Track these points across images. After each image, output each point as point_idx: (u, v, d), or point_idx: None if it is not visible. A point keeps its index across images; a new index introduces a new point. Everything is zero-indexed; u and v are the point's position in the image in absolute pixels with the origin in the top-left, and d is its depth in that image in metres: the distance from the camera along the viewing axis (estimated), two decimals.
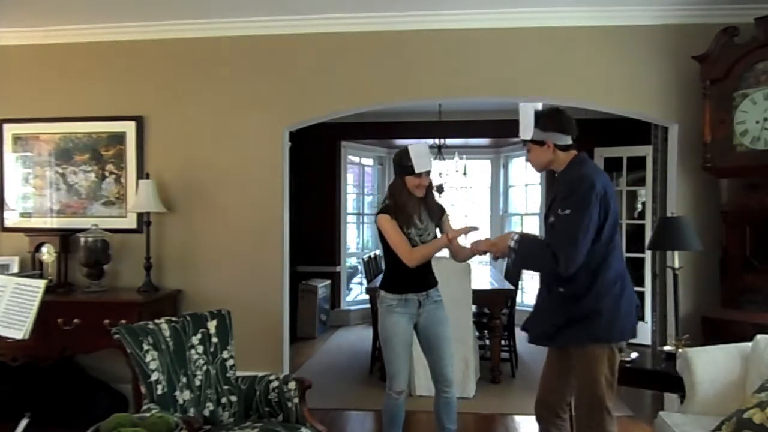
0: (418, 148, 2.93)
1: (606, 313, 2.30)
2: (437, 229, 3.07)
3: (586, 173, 2.32)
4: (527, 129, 2.46)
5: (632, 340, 2.73)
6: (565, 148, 2.43)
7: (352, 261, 7.83)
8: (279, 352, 4.17)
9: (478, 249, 2.76)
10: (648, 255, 5.42)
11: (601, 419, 2.32)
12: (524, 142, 2.52)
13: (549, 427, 2.56)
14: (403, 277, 2.97)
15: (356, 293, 7.81)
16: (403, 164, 2.92)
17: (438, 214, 3.06)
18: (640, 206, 5.84)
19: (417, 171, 2.88)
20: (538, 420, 2.61)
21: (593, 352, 2.32)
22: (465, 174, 6.91)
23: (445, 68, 4.02)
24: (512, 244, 2.42)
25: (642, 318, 5.27)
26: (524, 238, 2.46)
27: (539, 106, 2.52)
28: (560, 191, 2.38)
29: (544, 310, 2.50)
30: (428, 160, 2.94)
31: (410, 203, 2.95)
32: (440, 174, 6.46)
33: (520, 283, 5.58)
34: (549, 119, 2.44)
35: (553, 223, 2.36)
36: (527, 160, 2.56)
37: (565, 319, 2.36)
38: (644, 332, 5.13)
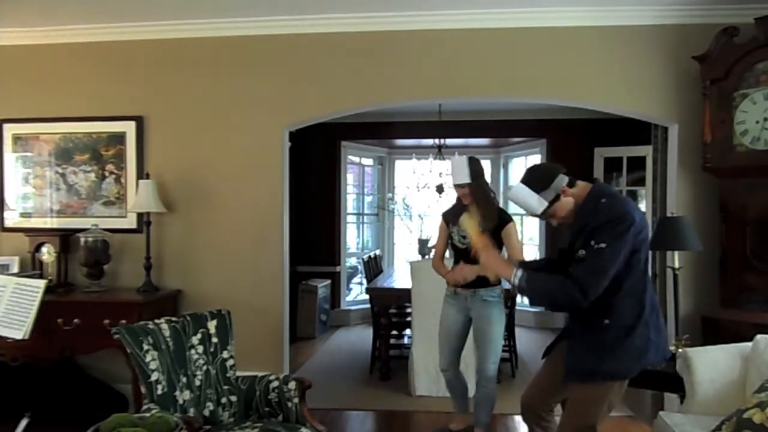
0: (453, 161, 3.28)
1: (640, 344, 2.23)
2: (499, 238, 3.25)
3: (628, 210, 2.21)
4: (540, 203, 2.30)
5: None
6: (571, 183, 2.33)
7: (352, 261, 7.82)
8: (279, 352, 4.17)
9: (457, 280, 3.00)
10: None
11: None
12: (543, 214, 2.35)
13: (535, 428, 2.58)
14: None
15: (356, 293, 7.81)
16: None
17: (493, 224, 3.19)
18: (642, 207, 5.83)
19: (453, 182, 3.28)
20: (524, 421, 2.65)
21: (611, 386, 2.27)
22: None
23: (445, 68, 4.02)
24: (518, 281, 2.28)
25: None
26: (532, 275, 2.30)
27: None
28: (594, 222, 2.21)
29: (589, 346, 2.31)
30: (460, 174, 3.20)
31: (456, 207, 3.40)
32: (440, 174, 6.46)
33: None
34: (540, 176, 2.33)
35: (584, 256, 2.21)
36: (557, 225, 2.42)
37: (613, 352, 2.25)
38: None
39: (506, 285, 4.19)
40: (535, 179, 2.32)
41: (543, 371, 2.62)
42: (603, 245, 2.15)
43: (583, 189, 2.34)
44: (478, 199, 3.23)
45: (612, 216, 2.20)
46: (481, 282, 3.21)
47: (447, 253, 3.59)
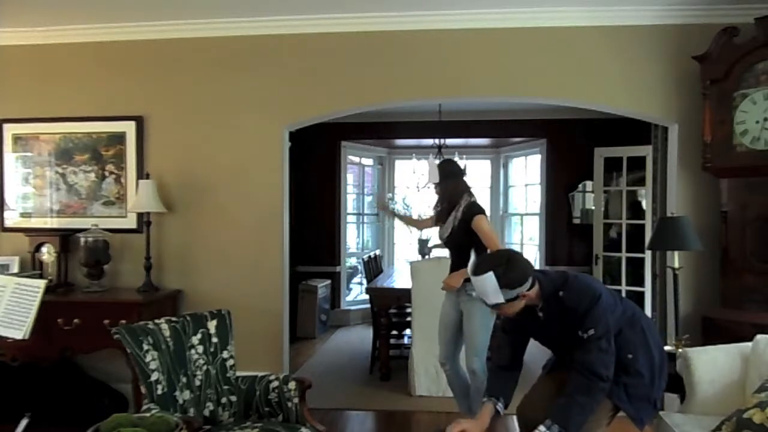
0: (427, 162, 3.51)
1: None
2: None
3: (597, 300, 2.30)
4: (496, 297, 2.22)
5: None
6: (531, 286, 2.28)
7: (352, 261, 7.82)
8: (279, 352, 4.17)
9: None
10: (648, 255, 5.41)
11: None
12: (494, 306, 2.31)
13: None
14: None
15: (356, 293, 7.81)
16: None
17: (462, 223, 3.39)
18: (642, 207, 5.84)
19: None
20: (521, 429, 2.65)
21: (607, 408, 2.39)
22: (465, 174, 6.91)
23: (445, 68, 4.02)
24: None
25: None
26: (568, 423, 2.20)
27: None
28: (572, 313, 2.30)
29: (630, 386, 2.42)
30: (430, 175, 3.43)
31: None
32: None
33: None
34: (515, 278, 2.22)
35: (588, 339, 2.28)
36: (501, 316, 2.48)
37: (650, 379, 2.44)
38: None
39: None
40: (507, 276, 2.21)
41: (542, 383, 2.63)
42: (592, 332, 2.27)
43: (538, 292, 2.33)
44: (448, 198, 3.45)
45: (584, 305, 2.29)
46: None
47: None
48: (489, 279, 2.20)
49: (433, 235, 7.23)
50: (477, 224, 3.30)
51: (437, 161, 3.53)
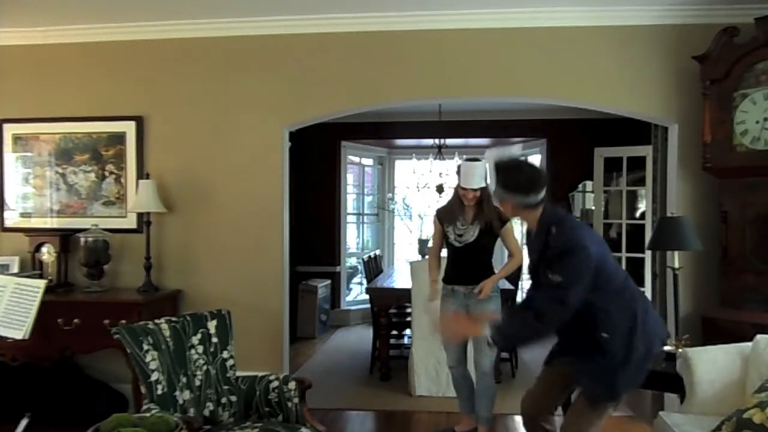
0: (466, 167, 3.30)
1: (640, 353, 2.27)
2: (499, 238, 3.45)
3: (577, 241, 2.20)
4: (480, 181, 2.31)
5: None
6: (531, 207, 2.29)
7: (352, 261, 7.82)
8: (279, 352, 4.17)
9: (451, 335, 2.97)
10: (648, 255, 5.41)
11: None
12: (473, 189, 2.39)
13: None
14: (452, 271, 3.48)
15: (356, 293, 7.81)
16: (457, 174, 3.40)
17: (496, 224, 3.35)
18: (642, 206, 5.84)
19: (461, 185, 3.33)
20: (526, 429, 2.66)
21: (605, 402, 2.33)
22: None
23: (445, 68, 4.02)
24: (490, 339, 2.28)
25: None
26: (497, 325, 2.31)
27: (515, 150, 2.42)
28: (549, 252, 2.24)
29: (599, 365, 2.31)
30: (473, 180, 3.26)
31: (456, 206, 3.42)
32: (440, 174, 6.46)
33: (519, 283, 5.57)
34: (508, 177, 2.26)
35: (548, 282, 2.25)
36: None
37: (620, 363, 2.27)
38: None
39: (504, 285, 4.27)
40: (509, 175, 2.27)
41: (543, 377, 2.62)
42: (558, 278, 2.18)
43: (536, 215, 2.32)
44: (488, 200, 3.31)
45: (563, 249, 2.20)
46: (478, 279, 3.34)
47: (443, 252, 3.63)
48: (487, 163, 2.32)
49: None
50: (508, 230, 3.39)
51: (485, 164, 3.26)
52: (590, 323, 2.27)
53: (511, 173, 2.28)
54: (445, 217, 3.48)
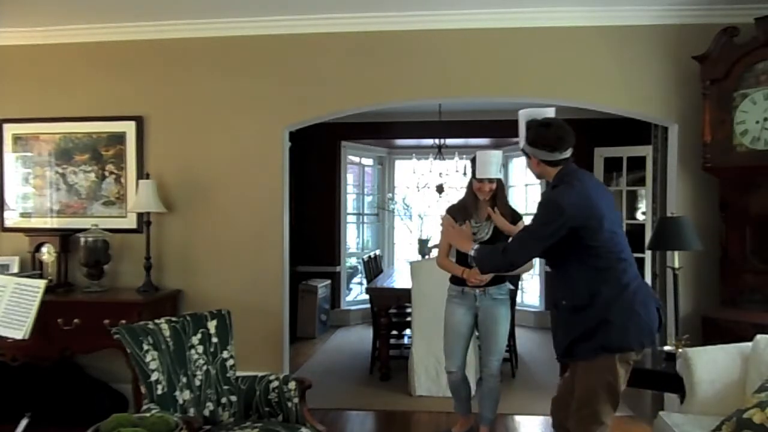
0: (483, 156, 3.21)
1: (617, 321, 2.27)
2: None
3: (561, 201, 2.28)
4: (521, 139, 2.49)
5: None
6: (554, 164, 2.40)
7: (352, 261, 7.82)
8: (279, 352, 4.17)
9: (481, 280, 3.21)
10: (648, 255, 5.41)
11: None
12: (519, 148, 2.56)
13: None
14: None
15: (356, 293, 7.81)
16: (472, 167, 3.30)
17: (508, 219, 3.25)
18: (642, 206, 5.84)
19: (478, 176, 3.24)
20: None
21: (599, 362, 2.32)
22: (465, 174, 6.91)
23: (445, 68, 4.02)
24: (472, 253, 2.59)
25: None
26: (480, 248, 2.61)
27: (549, 112, 2.53)
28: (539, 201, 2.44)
29: (558, 326, 2.50)
30: (490, 168, 3.19)
31: (470, 202, 3.35)
32: (440, 174, 6.46)
33: (519, 283, 5.57)
34: (537, 134, 2.41)
35: (522, 228, 2.57)
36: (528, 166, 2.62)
37: (579, 333, 2.34)
38: None
39: (512, 285, 4.27)
40: (532, 129, 2.44)
41: (563, 384, 2.67)
42: (531, 226, 2.37)
43: (554, 172, 2.44)
44: (502, 194, 3.32)
45: (545, 201, 2.41)
46: (492, 280, 3.29)
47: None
48: (523, 119, 2.51)
49: (433, 234, 7.26)
50: (520, 227, 3.29)
51: (500, 153, 3.31)
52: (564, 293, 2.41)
53: (541, 130, 2.41)
54: (458, 214, 3.32)
